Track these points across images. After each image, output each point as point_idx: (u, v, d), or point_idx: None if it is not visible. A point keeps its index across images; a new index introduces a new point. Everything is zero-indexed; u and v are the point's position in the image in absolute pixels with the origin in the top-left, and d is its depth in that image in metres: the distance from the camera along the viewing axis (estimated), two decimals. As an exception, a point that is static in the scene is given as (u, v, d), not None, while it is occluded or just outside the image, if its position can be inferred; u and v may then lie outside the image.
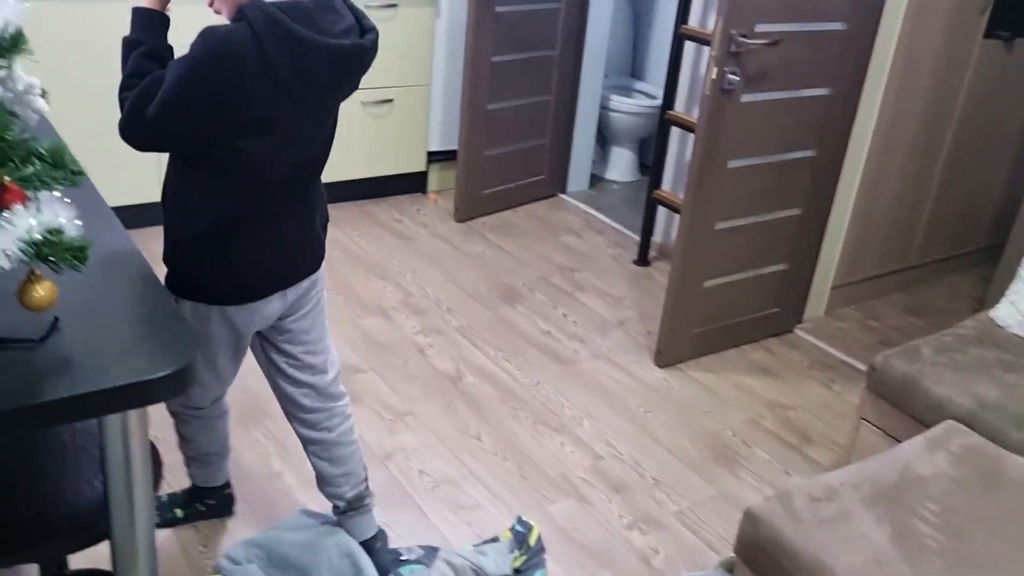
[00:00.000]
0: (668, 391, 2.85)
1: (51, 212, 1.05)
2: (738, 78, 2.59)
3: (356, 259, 3.45)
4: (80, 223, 1.10)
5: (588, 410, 2.71)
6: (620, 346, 3.07)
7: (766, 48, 2.61)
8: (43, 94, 1.14)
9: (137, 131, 1.51)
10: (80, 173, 1.15)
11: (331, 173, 3.69)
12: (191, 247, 1.64)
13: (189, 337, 1.23)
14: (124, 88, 1.54)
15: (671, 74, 3.40)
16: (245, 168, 1.58)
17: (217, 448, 2.05)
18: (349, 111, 3.74)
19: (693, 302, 2.92)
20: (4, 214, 1.02)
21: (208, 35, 1.45)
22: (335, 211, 3.88)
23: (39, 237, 1.00)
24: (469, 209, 3.90)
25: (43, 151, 1.06)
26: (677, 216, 3.01)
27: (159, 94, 1.46)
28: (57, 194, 1.14)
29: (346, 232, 3.64)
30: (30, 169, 1.08)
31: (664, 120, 3.43)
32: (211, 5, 1.56)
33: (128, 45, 1.58)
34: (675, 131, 3.50)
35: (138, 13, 1.59)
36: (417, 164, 4.04)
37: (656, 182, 3.56)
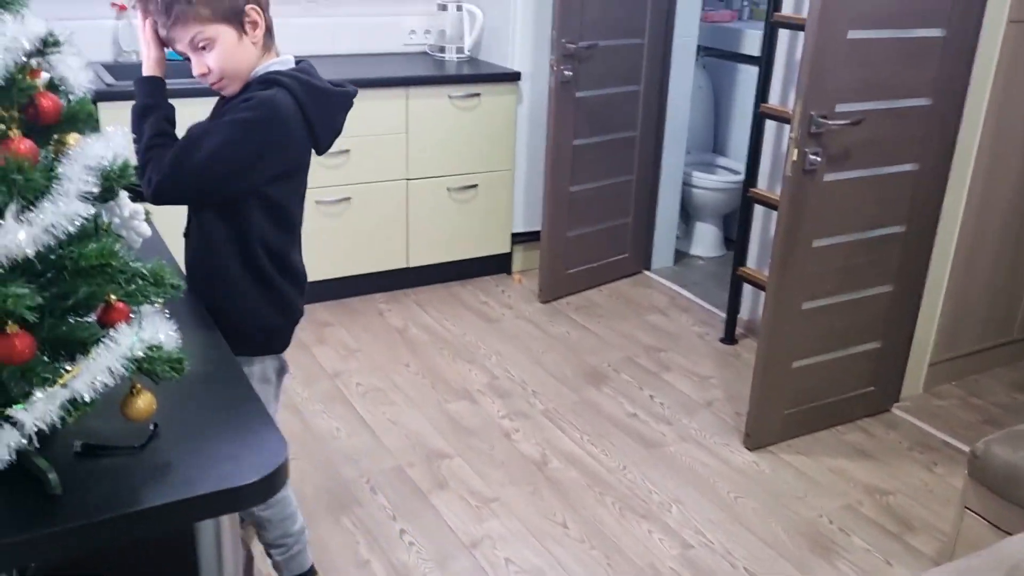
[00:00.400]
0: (759, 475, 2.78)
1: (152, 327, 1.12)
2: (820, 158, 2.57)
3: (442, 341, 3.50)
4: (177, 335, 1.16)
5: (676, 495, 2.66)
6: (708, 428, 3.02)
7: (848, 127, 2.59)
8: (147, 216, 1.22)
9: (179, 181, 1.63)
10: (178, 287, 1.23)
11: (417, 257, 3.87)
12: (246, 302, 1.76)
13: (278, 441, 1.28)
14: (151, 147, 1.65)
15: (752, 152, 3.40)
16: (275, 211, 1.74)
17: (296, 527, 2.03)
18: (435, 197, 3.85)
19: (782, 383, 2.86)
20: (110, 332, 1.08)
21: (258, 102, 1.64)
22: (421, 293, 3.99)
23: (141, 354, 1.07)
24: (553, 289, 3.93)
25: (146, 271, 1.13)
26: (763, 293, 2.97)
27: (208, 146, 1.61)
28: (158, 305, 1.22)
29: (432, 315, 3.71)
30: (133, 287, 1.16)
31: (747, 198, 3.42)
32: (215, 84, 1.69)
33: (144, 110, 1.70)
34: (759, 207, 3.49)
35: (145, 82, 1.72)
36: (501, 246, 4.11)
37: (741, 259, 3.53)
